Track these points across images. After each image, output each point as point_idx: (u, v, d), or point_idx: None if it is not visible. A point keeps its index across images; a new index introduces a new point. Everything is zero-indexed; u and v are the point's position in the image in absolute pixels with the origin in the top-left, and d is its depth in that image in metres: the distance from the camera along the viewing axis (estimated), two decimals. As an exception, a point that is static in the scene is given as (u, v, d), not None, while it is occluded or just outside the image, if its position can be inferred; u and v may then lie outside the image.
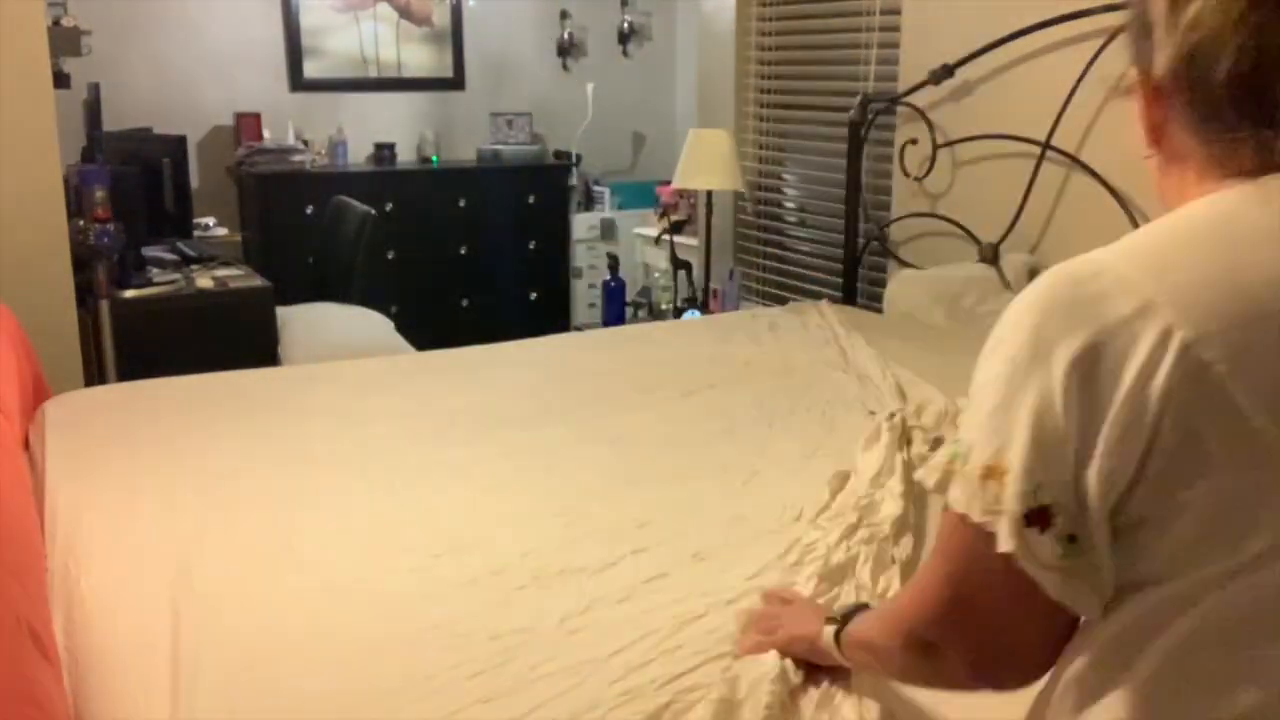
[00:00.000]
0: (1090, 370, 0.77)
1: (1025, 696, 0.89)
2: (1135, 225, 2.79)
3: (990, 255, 3.15)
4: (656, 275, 5.11)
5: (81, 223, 3.16)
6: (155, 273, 3.64)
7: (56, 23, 3.86)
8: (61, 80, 3.67)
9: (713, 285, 4.42)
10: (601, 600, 1.48)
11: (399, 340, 3.79)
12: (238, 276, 3.73)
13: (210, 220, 4.66)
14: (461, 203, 5.17)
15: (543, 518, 1.75)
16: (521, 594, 1.50)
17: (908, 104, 3.43)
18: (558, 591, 1.50)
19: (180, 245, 4.01)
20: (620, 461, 2.00)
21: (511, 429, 2.15)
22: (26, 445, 2.08)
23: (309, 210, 4.70)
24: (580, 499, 1.82)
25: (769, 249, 4.46)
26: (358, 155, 5.19)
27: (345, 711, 1.23)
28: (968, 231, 3.29)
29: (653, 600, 1.47)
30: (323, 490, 1.84)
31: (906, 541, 1.62)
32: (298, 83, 5.11)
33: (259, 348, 3.47)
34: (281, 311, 3.67)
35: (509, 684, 1.28)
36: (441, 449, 2.04)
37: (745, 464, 1.98)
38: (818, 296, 3.94)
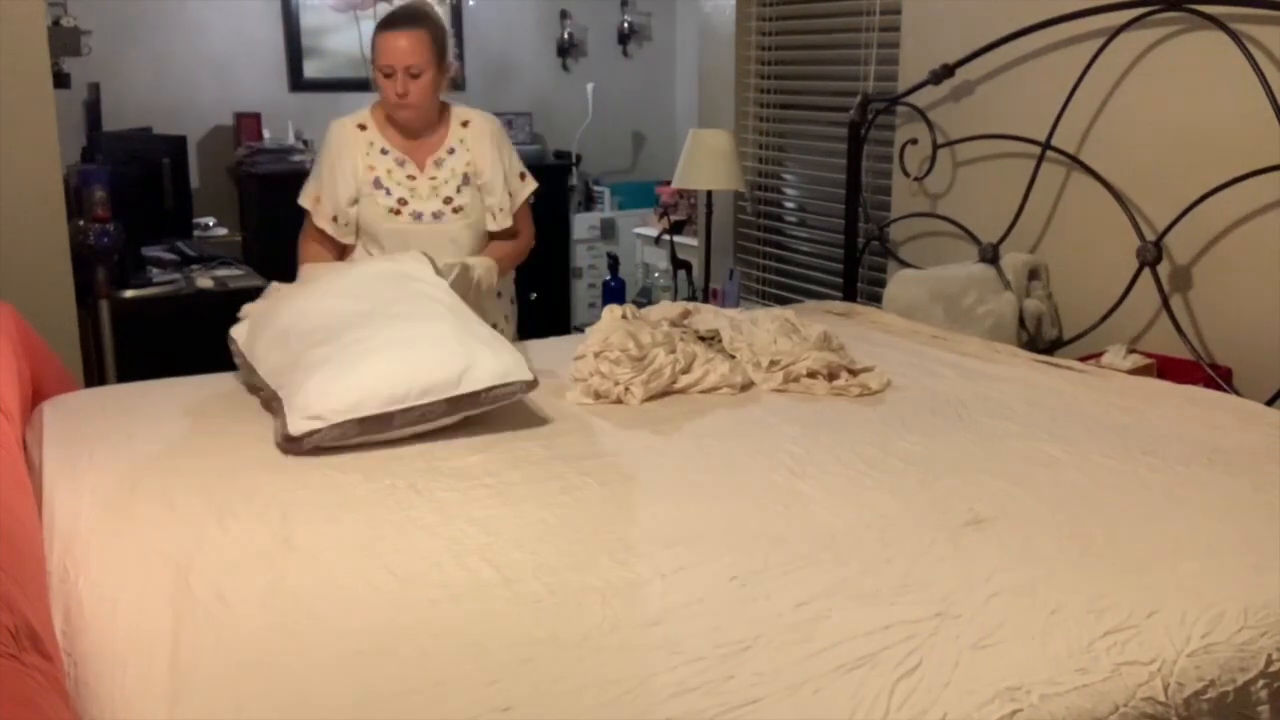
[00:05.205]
0: None
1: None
2: (1135, 225, 2.79)
3: (990, 255, 3.15)
4: (656, 275, 5.12)
5: (81, 223, 3.16)
6: (155, 273, 3.65)
7: (56, 23, 3.85)
8: (61, 80, 3.67)
9: (713, 285, 4.42)
10: (628, 621, 1.41)
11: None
12: (238, 276, 3.73)
13: (210, 220, 4.66)
14: (461, 203, 5.17)
15: (556, 530, 1.68)
16: (538, 607, 1.44)
17: (908, 104, 3.43)
18: (579, 607, 1.43)
19: (180, 245, 4.01)
20: (641, 476, 1.92)
21: (520, 437, 2.10)
22: (25, 446, 2.08)
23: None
24: (596, 513, 1.75)
25: (769, 249, 4.46)
26: (358, 155, 5.18)
27: (348, 713, 1.22)
28: (968, 231, 3.29)
29: (689, 625, 1.40)
30: (323, 492, 1.83)
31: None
32: (298, 83, 5.11)
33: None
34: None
35: (529, 693, 1.24)
36: (446, 454, 2.01)
37: (785, 484, 1.87)
38: (818, 296, 3.95)
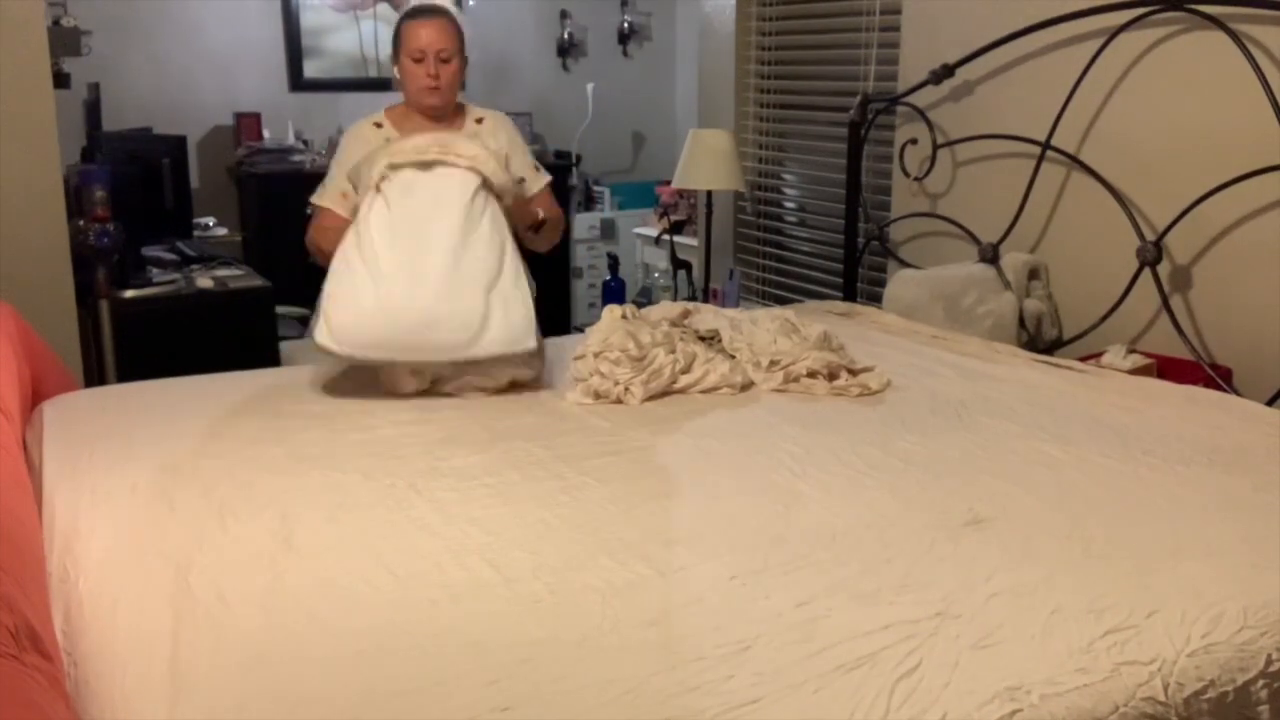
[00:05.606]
0: None
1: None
2: (1135, 225, 2.79)
3: (990, 255, 3.15)
4: (656, 275, 5.12)
5: (81, 223, 3.16)
6: (155, 273, 3.64)
7: (56, 23, 3.86)
8: (61, 80, 3.67)
9: (713, 285, 4.41)
10: (628, 621, 1.40)
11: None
12: (238, 276, 3.72)
13: (210, 220, 4.66)
14: (461, 203, 5.16)
15: (556, 530, 1.69)
16: (537, 607, 1.44)
17: (908, 104, 3.43)
18: (578, 607, 1.44)
19: (180, 245, 4.00)
20: (641, 476, 1.92)
21: (520, 437, 2.11)
22: (25, 446, 2.08)
23: (309, 210, 4.69)
24: (596, 513, 1.75)
25: (769, 249, 4.46)
26: (358, 155, 5.18)
27: (348, 713, 1.22)
28: (968, 231, 3.29)
29: (689, 625, 1.40)
30: (323, 492, 1.83)
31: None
32: (298, 83, 5.11)
33: (259, 348, 3.47)
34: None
35: (529, 693, 1.24)
36: (446, 454, 2.01)
37: (785, 484, 1.87)
38: (818, 296, 3.95)
